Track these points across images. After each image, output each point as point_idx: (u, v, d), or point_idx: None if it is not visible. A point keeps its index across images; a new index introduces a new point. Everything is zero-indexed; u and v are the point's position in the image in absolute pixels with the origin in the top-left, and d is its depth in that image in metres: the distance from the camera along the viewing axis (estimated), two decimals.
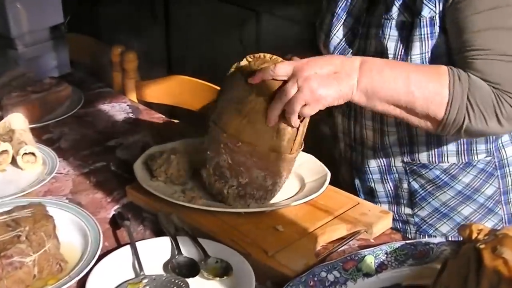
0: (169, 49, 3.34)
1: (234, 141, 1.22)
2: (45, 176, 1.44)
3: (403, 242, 1.14)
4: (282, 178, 1.28)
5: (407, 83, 1.16)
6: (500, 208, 1.38)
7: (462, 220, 1.39)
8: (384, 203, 1.44)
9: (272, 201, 1.32)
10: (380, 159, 1.40)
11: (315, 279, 1.07)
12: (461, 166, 1.35)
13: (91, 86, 1.97)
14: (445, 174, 1.36)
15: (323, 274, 1.08)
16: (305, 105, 1.15)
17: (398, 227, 1.44)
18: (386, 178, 1.42)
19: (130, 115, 1.80)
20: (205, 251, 1.15)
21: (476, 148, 1.33)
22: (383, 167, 1.41)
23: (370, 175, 1.43)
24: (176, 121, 1.80)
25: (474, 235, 1.06)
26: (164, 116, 1.80)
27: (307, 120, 1.22)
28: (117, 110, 1.82)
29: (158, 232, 1.25)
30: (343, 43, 1.36)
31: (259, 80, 1.18)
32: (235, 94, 1.22)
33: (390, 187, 1.42)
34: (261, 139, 1.21)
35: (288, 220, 1.25)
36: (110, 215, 1.32)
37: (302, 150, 1.37)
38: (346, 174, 1.51)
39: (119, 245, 1.22)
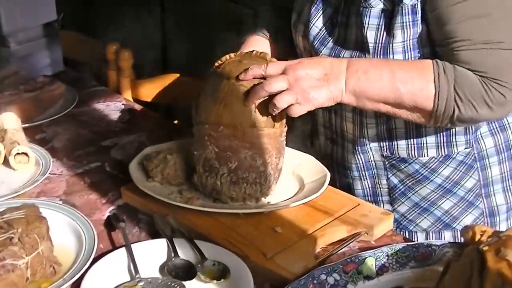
0: (166, 47, 3.34)
1: (215, 127, 1.27)
2: (38, 177, 1.44)
3: (404, 244, 1.14)
4: (272, 157, 1.28)
5: (393, 80, 1.20)
6: (481, 202, 1.39)
7: (442, 214, 1.40)
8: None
9: (270, 202, 1.32)
10: (359, 154, 1.42)
11: (315, 282, 1.07)
12: (440, 159, 1.37)
13: (85, 84, 1.97)
14: (424, 168, 1.37)
15: (323, 276, 1.08)
16: (292, 104, 1.21)
17: None
18: (364, 174, 1.43)
19: (125, 114, 1.80)
20: (202, 253, 1.16)
21: (455, 140, 1.35)
22: (362, 163, 1.42)
23: (349, 172, 1.45)
24: (173, 121, 1.80)
25: (477, 237, 1.06)
26: (160, 116, 1.80)
27: None
28: (112, 109, 1.82)
29: (154, 234, 1.25)
30: (322, 33, 1.37)
31: (250, 78, 1.25)
32: (209, 87, 1.30)
33: (368, 184, 1.44)
34: (240, 118, 1.26)
35: (287, 221, 1.26)
36: (105, 217, 1.32)
37: (302, 151, 1.38)
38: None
39: (114, 247, 1.22)
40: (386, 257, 1.12)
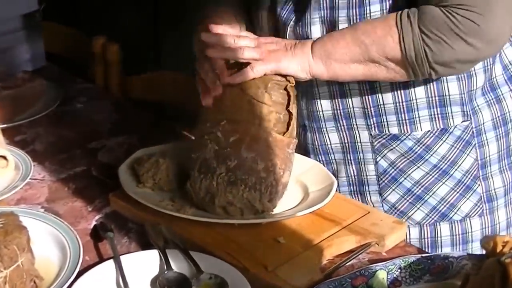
0: (158, 40, 3.34)
1: (217, 123, 1.30)
2: (18, 183, 1.45)
3: (419, 256, 1.15)
4: (276, 167, 1.29)
5: (355, 35, 1.28)
6: (479, 185, 1.41)
7: (437, 202, 1.40)
8: (345, 193, 1.46)
9: (274, 211, 1.32)
10: (343, 132, 1.42)
11: None
12: (436, 133, 1.38)
13: (70, 81, 1.98)
14: (418, 145, 1.39)
15: None
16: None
17: None
18: (349, 158, 1.44)
19: (114, 113, 1.81)
20: (198, 265, 1.16)
21: (451, 110, 1.37)
22: (346, 143, 1.43)
23: (331, 155, 1.45)
24: (167, 121, 1.81)
25: (499, 248, 1.06)
26: (152, 115, 1.81)
27: (294, 109, 1.32)
28: (99, 108, 1.83)
29: (145, 244, 1.26)
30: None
31: (215, 38, 1.34)
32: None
33: (353, 171, 1.44)
34: (245, 114, 1.29)
35: (291, 231, 1.26)
36: (91, 226, 1.33)
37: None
38: None
39: (101, 260, 1.23)
40: (399, 270, 1.13)
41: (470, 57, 1.26)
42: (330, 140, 1.45)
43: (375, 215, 1.31)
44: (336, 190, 1.36)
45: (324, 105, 1.42)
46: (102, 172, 1.52)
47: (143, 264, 1.18)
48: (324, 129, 1.44)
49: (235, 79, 1.31)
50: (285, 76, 1.32)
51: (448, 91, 1.36)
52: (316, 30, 1.36)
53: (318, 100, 1.42)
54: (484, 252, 1.09)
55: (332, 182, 1.37)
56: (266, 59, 1.31)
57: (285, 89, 1.32)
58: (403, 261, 1.14)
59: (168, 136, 1.60)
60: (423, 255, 1.16)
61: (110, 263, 1.18)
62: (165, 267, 1.17)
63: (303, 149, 1.48)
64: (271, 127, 1.29)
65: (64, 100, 1.84)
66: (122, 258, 1.19)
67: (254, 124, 1.28)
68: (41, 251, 1.20)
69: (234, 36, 1.34)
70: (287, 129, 1.31)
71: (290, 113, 1.32)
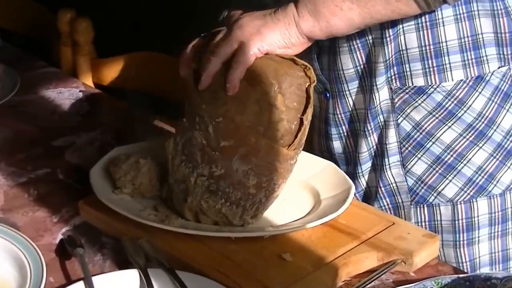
0: (139, 15, 3.35)
1: (214, 114, 1.27)
2: None
3: (455, 276, 1.15)
4: (271, 182, 1.29)
5: None
6: None
7: (474, 173, 1.41)
8: (367, 171, 1.47)
9: (277, 222, 1.33)
10: (365, 94, 1.43)
11: None
12: (470, 83, 1.39)
13: (30, 65, 1.98)
14: (449, 99, 1.39)
15: None
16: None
17: (384, 204, 1.46)
18: (368, 127, 1.43)
19: (84, 104, 1.81)
20: (186, 287, 1.17)
21: (485, 53, 1.38)
22: (367, 108, 1.43)
23: (354, 124, 1.46)
24: (147, 113, 1.81)
25: None
26: (130, 106, 1.81)
27: (309, 116, 1.28)
28: (66, 97, 1.83)
29: (122, 263, 1.26)
30: None
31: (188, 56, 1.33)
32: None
33: (374, 141, 1.45)
34: (249, 118, 1.26)
35: (298, 246, 1.27)
36: (57, 241, 1.34)
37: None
38: (318, 141, 1.54)
39: (69, 281, 1.23)
40: None
41: None
42: (354, 105, 1.45)
43: (402, 227, 1.31)
44: (354, 195, 1.36)
45: (345, 62, 1.43)
46: (70, 175, 1.52)
47: (120, 286, 1.19)
48: (347, 92, 1.44)
49: (232, 84, 1.27)
50: (304, 69, 1.28)
51: (481, 29, 1.37)
52: None
53: (338, 56, 1.43)
54: None
55: (349, 187, 1.37)
56: (246, 42, 1.27)
57: (306, 90, 1.28)
58: (435, 283, 1.14)
59: (149, 131, 1.60)
60: (460, 275, 1.16)
61: (80, 286, 1.18)
62: None
63: (323, 120, 1.49)
64: (277, 139, 1.26)
65: (23, 87, 1.84)
66: (95, 279, 1.19)
67: (257, 133, 1.26)
68: None
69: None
70: (294, 140, 1.28)
71: (301, 122, 1.27)
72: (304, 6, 1.29)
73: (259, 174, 1.27)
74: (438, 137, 1.41)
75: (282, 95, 1.25)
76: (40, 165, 1.56)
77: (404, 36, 1.37)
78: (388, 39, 1.37)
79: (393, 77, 1.40)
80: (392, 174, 1.44)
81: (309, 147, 1.48)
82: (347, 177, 1.41)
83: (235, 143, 1.27)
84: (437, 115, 1.40)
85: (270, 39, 1.28)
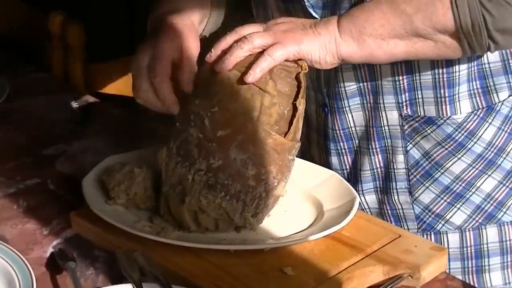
0: (132, 19, 3.35)
1: (208, 106, 1.30)
2: None
3: None
4: (270, 175, 1.29)
5: (394, 3, 1.27)
6: None
7: (482, 200, 1.42)
8: (369, 192, 1.48)
9: (278, 235, 1.33)
10: (367, 112, 1.44)
11: None
12: (480, 115, 1.40)
13: (20, 70, 1.98)
14: (459, 131, 1.40)
15: None
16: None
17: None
18: (373, 145, 1.45)
19: (76, 111, 1.80)
20: None
21: (493, 83, 1.39)
22: (371, 127, 1.44)
23: (354, 141, 1.47)
24: (143, 120, 1.81)
25: None
26: (124, 113, 1.81)
27: (302, 102, 1.31)
28: (57, 103, 1.83)
29: (115, 277, 1.26)
30: None
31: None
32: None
33: (379, 162, 1.46)
34: (244, 106, 1.28)
35: (301, 259, 1.27)
36: (48, 254, 1.33)
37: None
38: (318, 155, 1.55)
39: None
40: None
41: None
42: (354, 122, 1.46)
43: (408, 240, 1.31)
44: (359, 208, 1.36)
45: (347, 78, 1.43)
46: (61, 186, 1.52)
47: None
48: (347, 108, 1.45)
49: (255, 72, 1.28)
50: (296, 61, 1.31)
51: (487, 58, 1.38)
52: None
53: (339, 73, 1.43)
54: None
55: (353, 198, 1.37)
56: (283, 41, 1.29)
57: (296, 77, 1.31)
58: None
59: (144, 139, 1.60)
60: None
61: None
62: None
63: (322, 134, 1.50)
64: (272, 124, 1.29)
65: (12, 93, 1.84)
66: None
67: (252, 119, 1.29)
68: None
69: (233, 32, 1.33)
70: (289, 128, 1.31)
71: (295, 108, 1.31)
72: (348, 30, 1.29)
73: (258, 164, 1.29)
74: (447, 168, 1.42)
75: (273, 81, 1.29)
76: (30, 175, 1.56)
77: (418, 62, 1.37)
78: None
79: (404, 103, 1.41)
80: (399, 200, 1.44)
81: (310, 161, 1.50)
82: (351, 187, 1.41)
83: (232, 131, 1.29)
84: (446, 146, 1.41)
85: (308, 49, 1.29)
